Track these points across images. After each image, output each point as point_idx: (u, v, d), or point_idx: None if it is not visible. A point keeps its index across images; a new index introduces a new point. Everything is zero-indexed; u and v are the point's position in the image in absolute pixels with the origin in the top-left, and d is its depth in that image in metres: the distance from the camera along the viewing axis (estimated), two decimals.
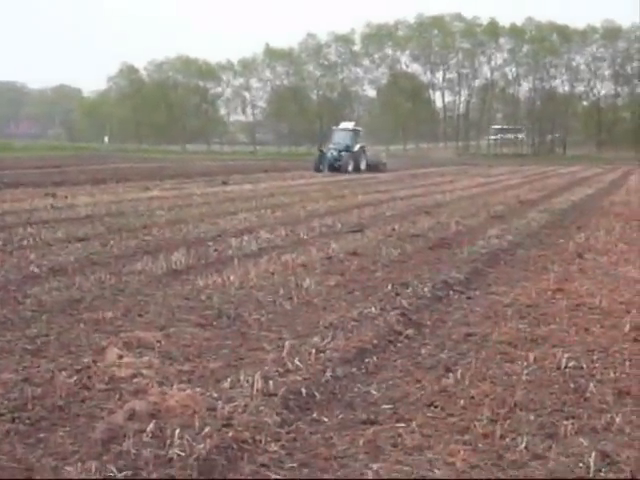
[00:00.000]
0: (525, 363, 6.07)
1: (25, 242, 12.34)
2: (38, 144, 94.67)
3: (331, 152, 46.53)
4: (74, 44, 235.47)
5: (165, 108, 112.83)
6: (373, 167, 47.88)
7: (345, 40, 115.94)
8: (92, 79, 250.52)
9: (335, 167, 45.11)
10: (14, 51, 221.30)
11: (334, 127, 53.18)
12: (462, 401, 5.24)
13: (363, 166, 47.49)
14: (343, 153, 46.19)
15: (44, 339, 6.66)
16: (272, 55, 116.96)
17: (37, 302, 8.03)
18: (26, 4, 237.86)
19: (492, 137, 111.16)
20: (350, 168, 45.43)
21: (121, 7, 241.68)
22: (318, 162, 46.24)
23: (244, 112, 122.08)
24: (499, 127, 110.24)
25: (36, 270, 9.80)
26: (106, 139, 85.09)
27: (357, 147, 47.70)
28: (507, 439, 4.62)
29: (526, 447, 4.49)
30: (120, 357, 5.95)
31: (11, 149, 79.32)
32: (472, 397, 5.32)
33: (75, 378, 5.50)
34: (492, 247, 12.48)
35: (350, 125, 52.03)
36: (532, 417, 4.98)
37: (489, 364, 6.11)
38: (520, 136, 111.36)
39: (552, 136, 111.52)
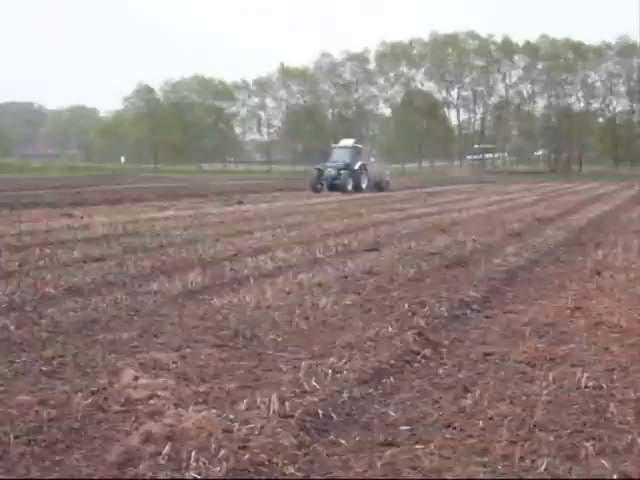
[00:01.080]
0: (544, 383, 6.01)
1: (41, 262, 12.37)
2: (55, 164, 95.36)
3: (329, 170, 43.69)
4: (90, 65, 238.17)
5: (181, 128, 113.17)
6: (375, 186, 44.78)
7: (360, 59, 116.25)
8: (108, 99, 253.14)
9: (334, 186, 42.59)
10: (31, 72, 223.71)
11: (333, 144, 50.61)
12: (481, 422, 5.19)
13: (364, 185, 44.44)
14: (342, 171, 43.36)
15: (60, 360, 6.66)
16: (287, 74, 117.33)
17: (53, 323, 8.04)
18: (42, 26, 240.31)
19: (470, 157, 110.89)
20: (349, 187, 42.87)
21: (136, 28, 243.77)
22: (315, 181, 43.56)
23: (259, 131, 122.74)
24: (477, 147, 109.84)
25: (52, 291, 9.81)
26: (122, 159, 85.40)
27: (358, 165, 44.49)
28: (527, 460, 4.56)
29: (546, 469, 4.43)
30: (136, 378, 5.94)
31: (28, 170, 79.94)
32: (491, 418, 5.27)
33: (91, 400, 5.49)
34: (509, 265, 12.43)
35: (350, 142, 47.98)
36: (552, 438, 4.92)
37: (508, 384, 6.05)
38: (497, 155, 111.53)
39: (568, 153, 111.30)
